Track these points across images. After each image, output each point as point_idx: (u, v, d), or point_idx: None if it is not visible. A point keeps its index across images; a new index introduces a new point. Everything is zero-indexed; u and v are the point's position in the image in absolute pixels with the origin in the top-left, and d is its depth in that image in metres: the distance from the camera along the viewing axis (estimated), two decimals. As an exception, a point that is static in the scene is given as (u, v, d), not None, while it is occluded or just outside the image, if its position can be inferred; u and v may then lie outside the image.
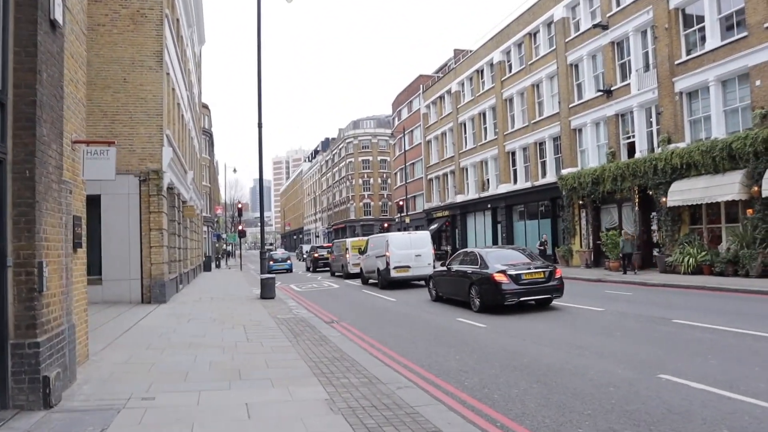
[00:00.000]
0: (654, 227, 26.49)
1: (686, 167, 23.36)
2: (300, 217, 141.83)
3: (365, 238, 33.49)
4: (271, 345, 9.76)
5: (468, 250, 16.63)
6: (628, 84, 27.54)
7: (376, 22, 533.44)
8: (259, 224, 20.35)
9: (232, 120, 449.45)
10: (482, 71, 42.93)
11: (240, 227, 51.64)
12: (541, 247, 31.77)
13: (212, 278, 33.28)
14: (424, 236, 24.50)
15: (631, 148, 27.88)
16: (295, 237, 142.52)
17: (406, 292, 20.98)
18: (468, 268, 15.09)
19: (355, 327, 12.85)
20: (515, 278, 13.67)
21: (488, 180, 42.24)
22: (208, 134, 70.59)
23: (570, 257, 31.22)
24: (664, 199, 24.47)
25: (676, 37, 24.79)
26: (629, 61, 27.80)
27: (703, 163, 22.49)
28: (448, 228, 50.01)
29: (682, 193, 23.33)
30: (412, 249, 23.07)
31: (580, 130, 31.57)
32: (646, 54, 26.94)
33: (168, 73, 19.88)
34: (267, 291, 18.78)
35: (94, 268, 17.08)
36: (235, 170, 67.27)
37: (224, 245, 78.30)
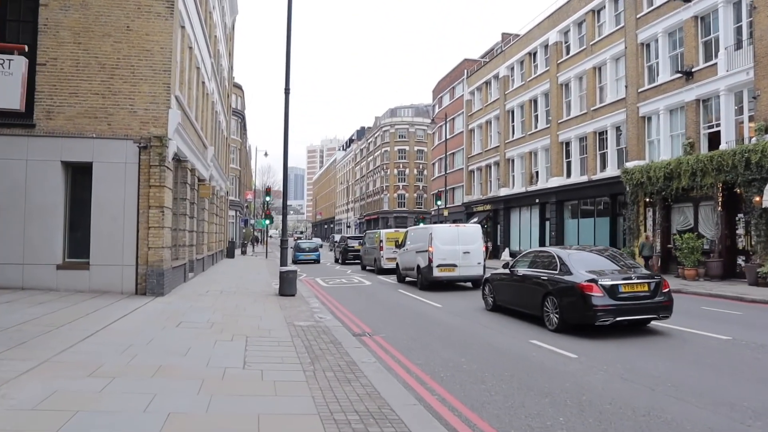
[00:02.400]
0: (740, 231, 22.75)
1: (790, 161, 19.66)
2: (332, 207, 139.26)
3: (402, 230, 31.09)
4: (276, 378, 6.63)
5: (541, 249, 13.29)
6: (714, 64, 23.72)
7: (418, 7, 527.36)
8: (287, 211, 17.24)
9: (268, 106, 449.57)
10: (535, 54, 39.25)
11: (267, 211, 48.41)
12: None
13: (232, 266, 30.45)
14: (475, 230, 20.95)
15: (714, 139, 24.10)
16: (326, 226, 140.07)
17: (452, 295, 17.76)
18: (542, 273, 11.88)
19: (394, 346, 9.66)
20: (611, 291, 10.37)
21: (537, 172, 38.61)
22: (240, 116, 68.17)
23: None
24: (758, 199, 20.74)
25: (779, 7, 20.99)
26: (716, 37, 23.99)
27: (813, 157, 18.79)
28: (488, 223, 46.48)
29: (784, 192, 19.60)
30: (459, 245, 19.82)
31: (649, 118, 27.81)
32: (739, 29, 23.10)
33: (183, 26, 16.92)
34: (287, 287, 15.73)
35: (81, 249, 14.34)
36: (266, 154, 64.52)
37: (252, 231, 75.92)
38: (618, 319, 10.35)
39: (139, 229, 14.19)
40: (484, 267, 20.21)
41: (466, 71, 52.03)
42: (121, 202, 14.23)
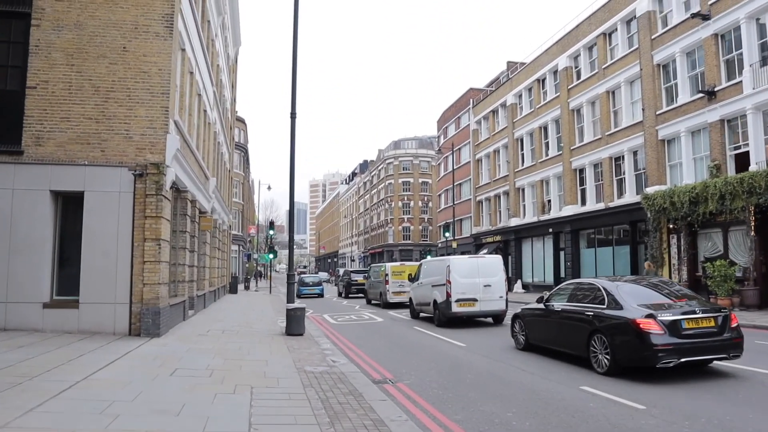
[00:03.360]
0: (775, 257, 21.41)
1: (829, 181, 18.43)
2: (335, 241, 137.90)
3: (408, 263, 31.15)
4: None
5: (583, 281, 11.80)
6: (739, 83, 22.65)
7: (419, 40, 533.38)
8: (290, 244, 15.98)
9: (271, 141, 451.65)
10: (544, 80, 38.38)
11: (271, 244, 47.25)
12: None
13: (236, 302, 29.06)
14: (495, 262, 19.38)
15: (742, 160, 22.92)
16: (329, 260, 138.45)
17: (474, 333, 16.35)
18: (586, 308, 10.47)
19: (423, 397, 8.28)
20: (672, 327, 9.02)
21: (549, 201, 37.38)
22: (242, 149, 67.43)
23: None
24: (794, 222, 19.49)
25: (808, 21, 20.02)
26: (739, 55, 22.99)
27: None
28: (499, 255, 45.07)
29: (823, 214, 18.33)
30: (479, 278, 18.32)
31: (669, 141, 26.68)
32: (764, 45, 22.12)
33: (183, 49, 15.92)
34: (294, 325, 14.38)
35: (70, 285, 13.08)
36: (269, 187, 63.64)
37: (255, 265, 74.56)
38: (682, 360, 8.91)
39: (133, 264, 12.92)
40: (507, 301, 18.92)
41: (471, 100, 51.26)
42: (114, 234, 13.00)
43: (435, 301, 19.13)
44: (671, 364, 8.91)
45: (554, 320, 11.47)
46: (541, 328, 12.09)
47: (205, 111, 21.44)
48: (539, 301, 12.35)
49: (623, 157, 29.79)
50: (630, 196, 29.01)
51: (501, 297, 18.50)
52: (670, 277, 25.79)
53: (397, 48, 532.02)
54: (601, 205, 31.38)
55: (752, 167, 21.83)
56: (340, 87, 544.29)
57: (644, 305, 9.47)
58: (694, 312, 9.27)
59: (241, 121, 67.43)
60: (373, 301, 30.67)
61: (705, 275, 22.84)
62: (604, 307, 9.99)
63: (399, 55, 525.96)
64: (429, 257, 41.64)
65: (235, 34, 36.09)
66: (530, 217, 39.56)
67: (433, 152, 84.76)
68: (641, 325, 9.01)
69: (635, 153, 29.14)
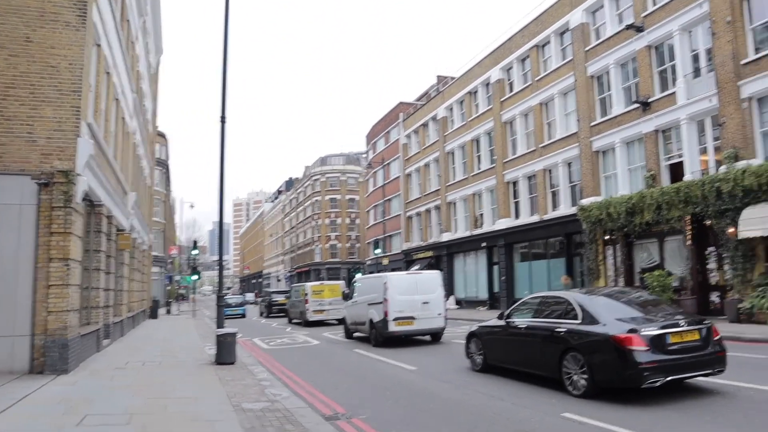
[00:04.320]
0: (711, 265, 21.45)
1: (766, 188, 18.58)
2: (260, 260, 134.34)
3: (326, 282, 32.31)
4: None
5: (550, 295, 10.84)
6: (672, 93, 22.83)
7: (344, 55, 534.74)
8: (218, 267, 14.40)
9: (193, 160, 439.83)
10: (476, 93, 38.17)
11: (194, 264, 45.12)
12: None
13: (157, 328, 26.82)
14: (434, 278, 18.58)
15: (676, 170, 23.04)
16: (253, 281, 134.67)
17: (419, 353, 15.21)
18: (556, 324, 9.50)
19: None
20: (657, 342, 8.16)
21: (482, 215, 36.98)
22: (164, 166, 64.28)
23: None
24: (732, 230, 19.54)
25: (741, 31, 20.29)
26: (672, 66, 23.21)
27: (793, 183, 17.71)
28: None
29: (762, 221, 18.36)
30: (417, 295, 17.48)
31: (604, 152, 26.68)
32: (696, 56, 22.37)
33: (99, 45, 14.13)
34: (225, 353, 12.79)
35: (-42, 318, 10.98)
36: (192, 205, 61.11)
37: (177, 288, 71.06)
38: (668, 378, 8.08)
39: (36, 289, 11.02)
40: (446, 318, 18.09)
41: (401, 114, 50.71)
42: (13, 254, 11.07)
43: (371, 320, 18.08)
44: (657, 384, 8.02)
45: (518, 338, 10.44)
46: (502, 347, 11.05)
47: (123, 119, 19.51)
48: (500, 317, 11.35)
49: (558, 168, 29.69)
50: (565, 208, 28.87)
51: (440, 314, 17.67)
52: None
53: (323, 65, 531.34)
54: (535, 218, 31.15)
55: (687, 177, 21.92)
56: (265, 104, 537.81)
57: (622, 319, 8.62)
58: (678, 324, 8.49)
59: (162, 136, 64.33)
60: (294, 320, 30.82)
61: (642, 286, 22.71)
62: (578, 322, 9.06)
63: (325, 72, 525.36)
64: (359, 275, 40.65)
65: (157, 41, 33.95)
66: (462, 232, 39.07)
67: (360, 168, 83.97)
68: (623, 342, 8.12)
69: (570, 164, 29.08)
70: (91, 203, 14.51)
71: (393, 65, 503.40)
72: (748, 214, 18.98)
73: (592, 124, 26.97)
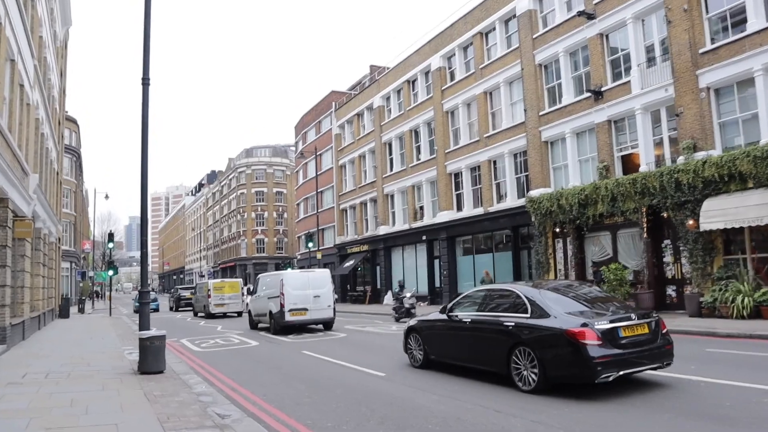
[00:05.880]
0: (668, 259, 20.75)
1: (727, 180, 17.88)
2: (181, 256, 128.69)
3: (227, 279, 37.25)
4: None
5: (496, 287, 10.20)
6: (627, 83, 22.05)
7: (272, 44, 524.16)
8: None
9: (107, 150, 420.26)
10: (415, 81, 36.71)
11: (110, 259, 41.92)
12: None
13: (67, 329, 23.85)
14: (324, 275, 21.83)
15: (629, 162, 22.31)
16: (174, 277, 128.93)
17: (359, 348, 13.41)
18: (504, 318, 9.08)
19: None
20: (609, 336, 7.94)
21: (422, 208, 35.59)
22: (75, 154, 59.48)
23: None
24: (692, 222, 18.82)
25: (698, 20, 19.61)
26: (625, 55, 22.43)
27: (756, 173, 17.04)
28: (365, 266, 42.71)
29: (723, 213, 17.68)
30: (310, 289, 20.53)
31: (553, 143, 25.73)
32: (651, 46, 21.61)
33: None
34: (152, 360, 10.58)
35: None
36: (107, 196, 56.51)
37: (91, 285, 66.31)
38: (621, 372, 7.89)
39: None
40: (335, 309, 21.12)
41: (334, 104, 48.70)
42: None
43: (270, 312, 20.72)
44: (610, 378, 7.80)
45: (462, 333, 9.96)
46: (445, 342, 10.55)
47: (21, 86, 16.68)
48: (442, 311, 10.80)
49: (504, 159, 28.57)
50: (511, 200, 27.79)
51: (329, 306, 20.69)
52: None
53: (248, 54, 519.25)
54: (479, 210, 29.95)
55: (642, 168, 21.18)
56: (184, 94, 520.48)
57: (572, 313, 8.39)
58: (629, 318, 8.30)
59: (73, 121, 59.48)
60: (199, 314, 34.50)
61: (597, 279, 21.80)
62: (528, 316, 8.74)
63: (249, 62, 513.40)
64: (289, 270, 38.84)
65: (64, 10, 30.52)
66: (401, 225, 37.56)
67: (288, 161, 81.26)
68: (576, 336, 7.85)
69: (516, 155, 28.01)
70: (-21, 179, 11.91)
71: (322, 56, 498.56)
72: (708, 205, 18.29)
73: (541, 113, 25.96)
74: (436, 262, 34.11)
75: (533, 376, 8.33)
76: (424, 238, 34.63)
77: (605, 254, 22.97)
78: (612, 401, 7.60)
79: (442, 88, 33.21)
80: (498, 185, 29.26)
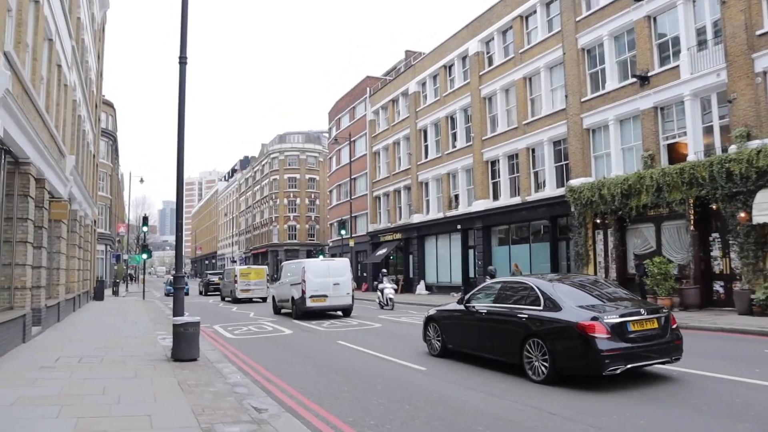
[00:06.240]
0: (715, 253, 19.88)
1: (786, 171, 16.96)
2: (213, 241, 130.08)
3: (253, 266, 39.11)
4: None
5: (511, 280, 10.62)
6: (675, 67, 21.09)
7: (306, 31, 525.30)
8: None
9: (142, 135, 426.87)
10: (451, 66, 35.97)
11: (144, 242, 42.41)
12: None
13: (102, 312, 23.98)
14: (344, 263, 22.89)
15: (675, 150, 21.41)
16: (206, 262, 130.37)
17: (390, 338, 12.97)
18: (518, 311, 9.32)
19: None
20: (618, 330, 8.08)
21: (457, 196, 34.98)
22: (111, 137, 60.09)
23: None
24: (743, 215, 17.92)
25: (755, 0, 18.57)
26: (674, 38, 21.46)
27: (819, 164, 16.11)
28: (398, 255, 42.27)
29: (781, 205, 16.78)
30: (330, 277, 21.56)
31: (595, 130, 24.88)
32: (702, 28, 20.61)
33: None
34: (185, 347, 10.34)
35: None
36: (142, 180, 57.25)
37: (125, 268, 67.25)
38: (629, 366, 8.04)
39: (-70, 264, 8.38)
40: (353, 297, 22.30)
41: (369, 89, 48.17)
42: None
43: (293, 298, 21.95)
44: (618, 371, 7.96)
45: (478, 324, 10.22)
46: (462, 332, 10.83)
47: (59, 66, 16.56)
48: (459, 302, 11.17)
49: (543, 147, 27.79)
50: (550, 190, 27.03)
51: (348, 293, 21.75)
52: (597, 275, 23.96)
53: (282, 40, 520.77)
54: (517, 200, 29.25)
55: (690, 157, 20.27)
56: (219, 80, 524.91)
57: (584, 306, 8.52)
58: (639, 312, 8.42)
59: (110, 105, 60.10)
60: (226, 298, 36.19)
61: (640, 273, 21.00)
62: (540, 308, 8.94)
63: (283, 48, 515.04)
64: (321, 257, 39.05)
65: (102, -7, 30.56)
66: (435, 213, 37.01)
67: (321, 147, 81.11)
68: (586, 329, 8.01)
69: (556, 143, 27.21)
70: (15, 160, 11.76)
71: (357, 41, 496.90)
72: (762, 197, 17.38)
73: (583, 100, 25.11)
74: (471, 251, 33.52)
75: (544, 367, 8.48)
76: (458, 227, 34.05)
77: (648, 247, 22.15)
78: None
79: (480, 73, 32.46)
80: (536, 174, 28.51)
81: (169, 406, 7.01)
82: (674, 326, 8.73)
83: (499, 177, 31.00)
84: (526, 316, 9.02)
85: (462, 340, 10.81)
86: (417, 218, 38.57)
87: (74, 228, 22.23)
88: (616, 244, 23.19)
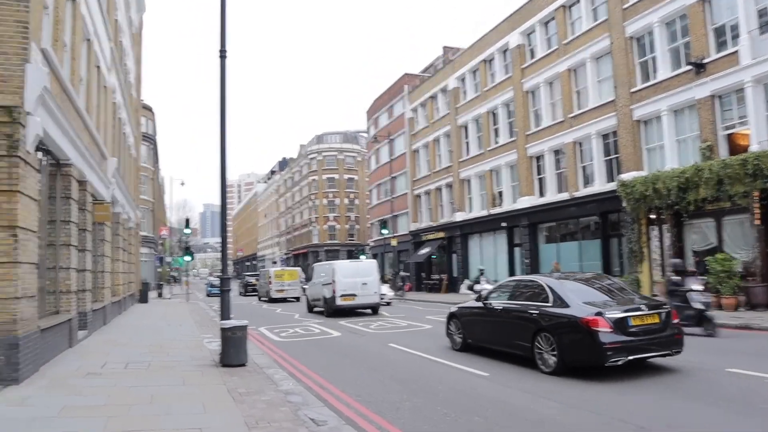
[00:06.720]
0: (784, 250, 18.71)
1: None
2: (254, 242, 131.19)
3: (287, 268, 42.06)
4: None
5: (524, 278, 11.59)
6: (734, 53, 19.92)
7: (338, 33, 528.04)
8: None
9: (182, 140, 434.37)
10: (492, 60, 35.12)
11: (187, 245, 43.01)
12: None
13: (146, 314, 23.95)
14: (371, 264, 24.63)
15: (736, 140, 20.26)
16: (247, 263, 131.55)
17: (426, 338, 12.35)
18: (530, 307, 10.07)
19: None
20: (620, 324, 8.73)
21: (500, 193, 34.13)
22: (151, 141, 60.86)
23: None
24: (816, 208, 16.77)
25: (824, -22, 17.40)
26: (732, 22, 20.31)
27: None
28: (441, 254, 41.55)
29: None
30: (358, 277, 23.05)
31: (647, 122, 23.82)
32: (764, 10, 19.43)
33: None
34: (234, 352, 9.94)
35: None
36: (183, 183, 58.17)
37: (168, 270, 68.06)
38: (631, 357, 8.67)
39: (-30, 269, 8.11)
40: (380, 295, 23.95)
41: (406, 87, 47.53)
42: (-59, 222, 8.14)
43: (324, 297, 23.52)
44: (620, 362, 8.61)
45: (495, 320, 11.00)
46: (480, 327, 11.60)
47: (98, 68, 16.42)
48: (478, 299, 12.04)
49: (590, 141, 26.78)
50: (600, 185, 26.03)
51: (375, 292, 23.31)
52: (651, 273, 22.95)
53: (319, 40, 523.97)
54: (564, 196, 28.30)
55: (753, 147, 19.11)
56: (256, 83, 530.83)
57: (589, 303, 9.18)
58: (640, 309, 9.06)
59: (149, 109, 60.84)
60: (261, 298, 38.08)
61: (701, 270, 19.92)
62: (549, 305, 9.63)
63: (321, 47, 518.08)
64: (362, 257, 38.98)
65: (140, -3, 30.70)
66: (478, 211, 36.21)
67: (359, 147, 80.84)
68: (590, 324, 8.66)
69: (605, 136, 26.19)
70: (56, 161, 11.54)
71: (394, 40, 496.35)
72: (836, 187, 16.23)
73: (633, 90, 24.06)
74: (517, 250, 32.65)
75: (553, 359, 9.15)
76: (503, 224, 33.19)
77: (708, 243, 21.04)
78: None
79: (522, 66, 31.57)
80: (584, 168, 27.52)
81: (221, 417, 6.57)
82: (675, 321, 9.33)
83: (544, 173, 30.08)
84: (537, 311, 9.71)
85: (480, 334, 11.56)
86: (460, 216, 37.83)
87: (118, 231, 22.21)
88: (672, 240, 22.12)
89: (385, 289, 27.80)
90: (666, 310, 9.24)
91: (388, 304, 27.33)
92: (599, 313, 8.69)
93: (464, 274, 37.13)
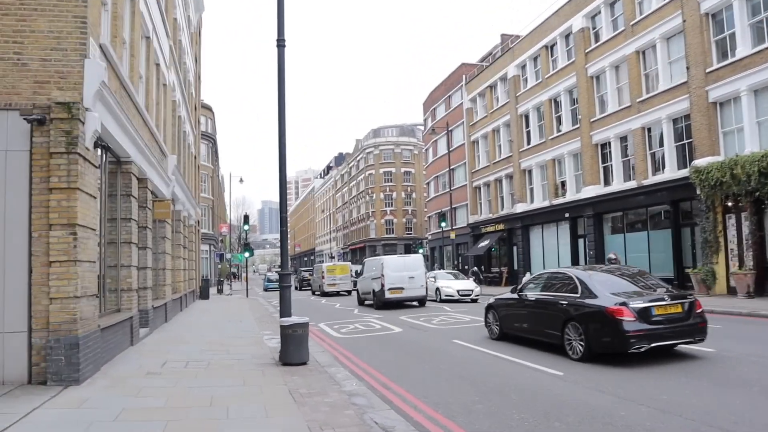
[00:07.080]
0: None
1: None
2: (311, 238, 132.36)
3: (339, 263, 43.82)
4: None
5: (556, 271, 11.95)
6: (822, 25, 18.45)
7: (396, 26, 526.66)
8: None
9: (240, 138, 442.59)
10: (554, 46, 33.94)
11: (246, 241, 43.83)
12: None
13: (207, 311, 24.13)
14: (418, 259, 25.10)
15: (826, 121, 18.77)
16: (305, 259, 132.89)
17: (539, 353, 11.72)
18: (560, 298, 10.59)
19: None
20: (643, 314, 9.14)
21: (564, 183, 32.99)
22: (210, 140, 61.91)
23: (713, 282, 21.83)
24: None
25: None
26: (821, -8, 18.79)
27: None
28: (501, 246, 40.62)
29: None
30: (405, 271, 23.92)
31: (724, 104, 22.38)
32: None
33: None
34: (294, 350, 9.62)
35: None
36: (241, 180, 58.48)
37: (229, 266, 69.22)
38: (652, 345, 9.07)
39: (32, 267, 8.02)
40: (426, 288, 24.54)
41: (464, 77, 46.62)
42: None
43: (374, 290, 24.55)
44: (642, 349, 9.06)
45: (529, 310, 11.55)
46: (515, 318, 12.09)
47: (157, 65, 16.43)
48: (513, 291, 12.53)
49: (660, 126, 25.44)
50: (670, 172, 24.69)
51: (421, 286, 24.10)
52: (728, 264, 21.58)
53: (375, 33, 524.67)
54: (632, 184, 27.02)
55: None
56: (312, 79, 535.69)
57: (616, 293, 9.57)
58: (663, 299, 9.44)
59: (208, 108, 61.90)
60: (315, 292, 40.18)
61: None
62: (578, 296, 10.09)
63: (377, 41, 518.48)
64: (420, 251, 38.79)
65: (198, -4, 30.95)
66: (540, 202, 35.14)
67: (415, 140, 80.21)
68: (614, 313, 9.12)
69: (676, 120, 24.81)
70: (116, 158, 11.48)
71: (450, 30, 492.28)
72: None
73: (708, 70, 22.64)
74: (581, 241, 31.49)
75: (581, 347, 9.67)
76: (566, 215, 32.07)
77: (794, 231, 19.62)
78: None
79: (586, 50, 30.33)
80: (653, 155, 26.18)
81: (283, 422, 6.21)
82: (699, 311, 9.64)
83: (610, 160, 28.82)
84: (566, 302, 10.25)
85: (515, 324, 12.07)
86: (520, 207, 36.81)
87: (178, 228, 22.38)
88: (752, 229, 20.71)
89: (471, 284, 27.38)
90: (690, 301, 9.59)
91: (475, 301, 25.89)
92: (624, 303, 9.18)
93: (525, 267, 36.10)
